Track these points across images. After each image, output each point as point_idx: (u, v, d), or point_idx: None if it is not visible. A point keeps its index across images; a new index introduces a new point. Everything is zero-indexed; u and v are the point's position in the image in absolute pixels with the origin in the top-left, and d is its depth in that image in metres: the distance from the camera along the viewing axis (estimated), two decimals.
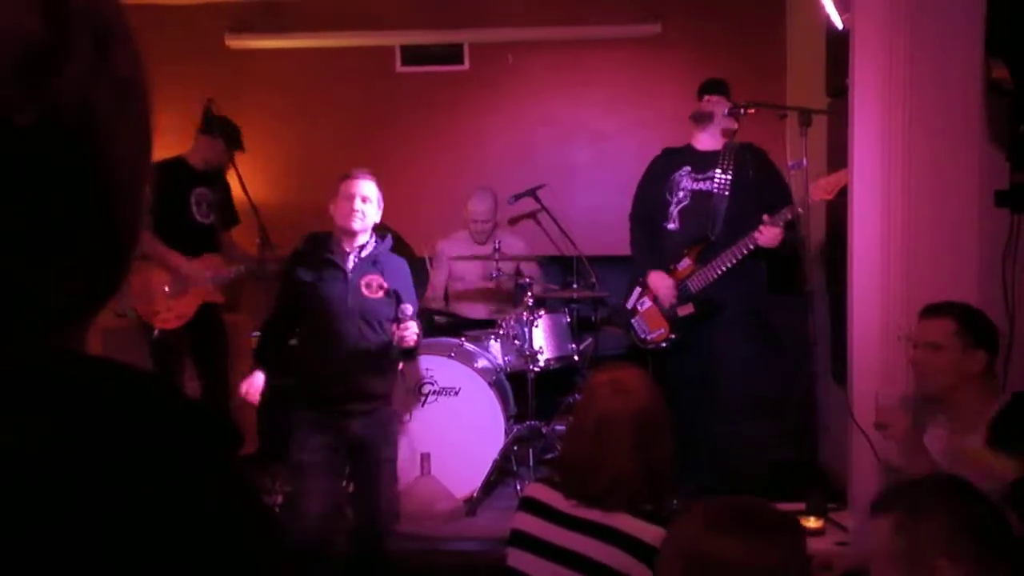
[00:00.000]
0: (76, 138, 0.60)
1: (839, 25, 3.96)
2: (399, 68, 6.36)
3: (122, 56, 0.64)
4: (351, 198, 3.71)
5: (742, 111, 4.30)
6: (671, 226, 4.50)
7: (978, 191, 3.18)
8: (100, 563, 0.54)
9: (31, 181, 0.58)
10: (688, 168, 4.49)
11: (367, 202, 3.73)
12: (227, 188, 5.23)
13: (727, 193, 4.39)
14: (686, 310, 4.43)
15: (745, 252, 4.26)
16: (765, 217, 4.18)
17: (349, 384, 3.69)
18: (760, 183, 4.39)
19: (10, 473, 0.54)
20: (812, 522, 3.57)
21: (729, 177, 4.41)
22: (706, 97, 4.50)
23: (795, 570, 1.55)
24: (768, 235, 4.17)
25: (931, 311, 2.87)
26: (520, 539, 2.34)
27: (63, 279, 0.61)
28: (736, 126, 4.45)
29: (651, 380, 2.44)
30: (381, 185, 3.80)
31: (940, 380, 2.81)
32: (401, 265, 3.91)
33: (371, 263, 3.77)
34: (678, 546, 1.63)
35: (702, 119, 4.48)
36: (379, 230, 3.91)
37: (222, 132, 4.99)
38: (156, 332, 4.85)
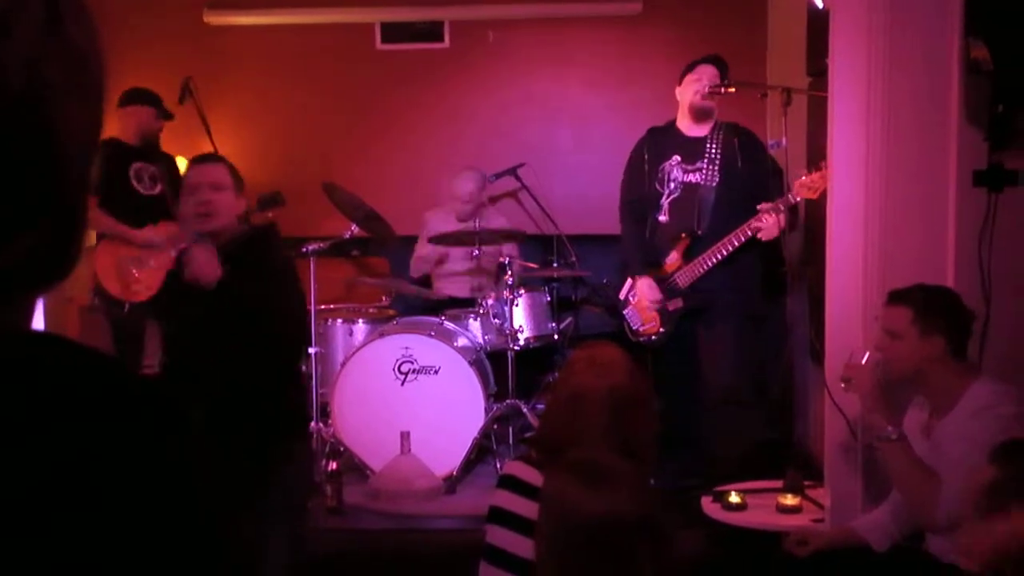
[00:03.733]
0: (22, 105, 0.58)
1: (819, 4, 3.96)
2: (379, 45, 6.32)
3: (75, 26, 0.62)
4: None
5: (722, 90, 4.29)
6: (662, 218, 4.46)
7: (956, 171, 3.19)
8: (43, 542, 0.54)
9: None
10: (678, 158, 4.43)
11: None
12: (170, 161, 5.27)
13: (714, 184, 4.35)
14: (675, 304, 4.41)
15: (738, 243, 4.20)
16: (761, 206, 4.12)
17: None
18: (749, 169, 4.33)
19: None
20: (789, 500, 3.61)
21: (717, 166, 4.36)
22: (700, 67, 4.37)
23: (634, 517, 1.71)
24: (768, 223, 4.11)
25: (892, 298, 2.88)
26: (498, 516, 2.35)
27: (7, 248, 0.59)
28: (713, 106, 4.43)
29: (631, 358, 2.43)
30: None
31: (901, 367, 2.85)
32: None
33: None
34: (548, 504, 1.85)
35: (704, 114, 4.41)
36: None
37: (147, 100, 5.07)
38: (127, 307, 4.86)
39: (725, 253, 4.26)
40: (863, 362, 2.95)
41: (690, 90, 4.38)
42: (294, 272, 3.16)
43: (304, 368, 3.63)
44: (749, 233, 4.18)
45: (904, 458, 2.79)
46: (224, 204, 2.95)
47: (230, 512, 0.64)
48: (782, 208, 4.10)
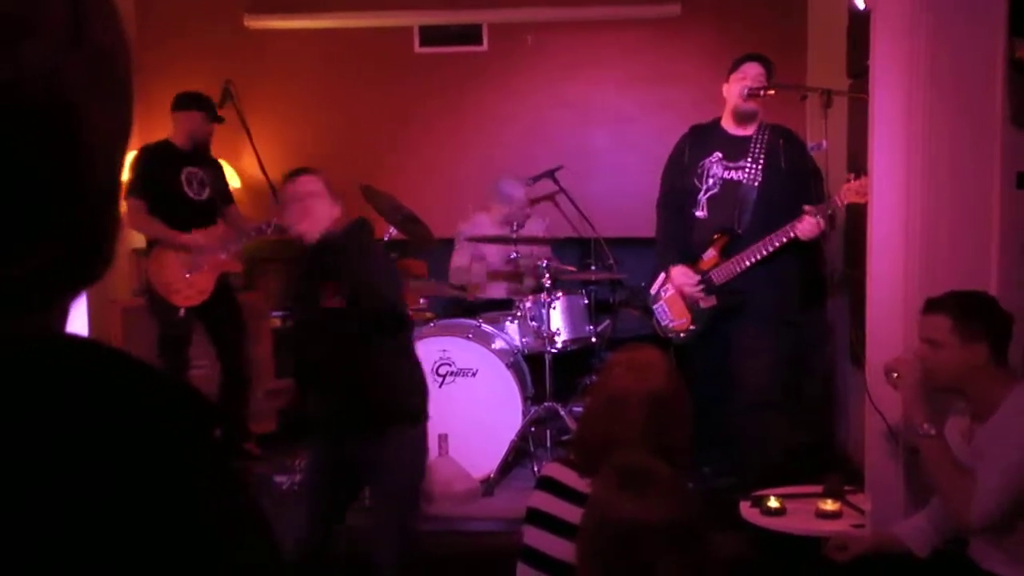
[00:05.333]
0: (45, 110, 0.57)
1: (860, 5, 3.92)
2: (417, 49, 6.35)
3: (99, 26, 0.61)
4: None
5: (761, 92, 4.26)
6: (699, 214, 4.42)
7: (1000, 172, 3.15)
8: (62, 547, 0.53)
9: None
10: (719, 155, 4.39)
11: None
12: (218, 166, 5.36)
13: (757, 184, 4.31)
14: (709, 302, 4.36)
15: (779, 244, 4.17)
16: (806, 208, 4.08)
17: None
18: (792, 171, 4.29)
19: None
20: (829, 505, 3.57)
21: (760, 166, 4.32)
22: (744, 66, 4.35)
23: (675, 521, 1.75)
24: (808, 226, 4.07)
25: (929, 306, 2.84)
26: (536, 517, 2.35)
27: (32, 253, 0.58)
28: (756, 108, 4.39)
29: (671, 362, 2.43)
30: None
31: (944, 375, 2.80)
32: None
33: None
34: (591, 506, 1.88)
35: (747, 116, 4.37)
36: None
37: (197, 105, 5.14)
38: (181, 312, 4.94)
39: (765, 253, 4.21)
40: (911, 357, 2.91)
41: (735, 89, 4.35)
42: (388, 255, 3.82)
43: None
44: (791, 234, 4.14)
45: (941, 455, 2.77)
46: (321, 209, 3.52)
47: (247, 520, 0.63)
48: (828, 211, 4.06)
